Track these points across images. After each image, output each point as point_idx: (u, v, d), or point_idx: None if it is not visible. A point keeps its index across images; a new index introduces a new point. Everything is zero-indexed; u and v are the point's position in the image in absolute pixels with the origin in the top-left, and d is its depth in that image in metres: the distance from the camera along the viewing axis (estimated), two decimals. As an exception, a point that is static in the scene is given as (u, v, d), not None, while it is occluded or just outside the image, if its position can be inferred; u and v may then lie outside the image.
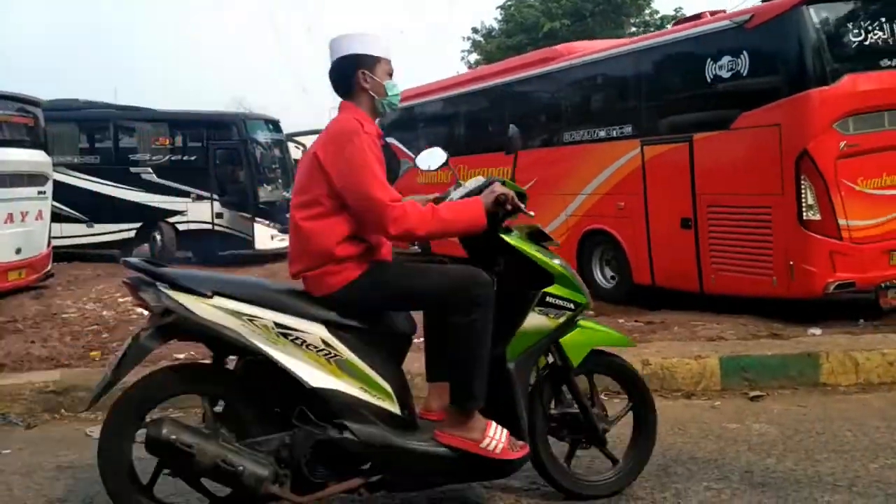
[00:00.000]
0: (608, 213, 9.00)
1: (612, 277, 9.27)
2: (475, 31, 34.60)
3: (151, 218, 14.56)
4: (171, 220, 14.53)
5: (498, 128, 10.56)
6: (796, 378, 5.25)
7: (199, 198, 14.33)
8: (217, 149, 14.35)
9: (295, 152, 16.53)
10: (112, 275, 12.92)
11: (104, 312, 9.02)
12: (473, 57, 34.90)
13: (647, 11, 29.45)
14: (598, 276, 9.35)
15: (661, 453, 4.04)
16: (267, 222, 14.27)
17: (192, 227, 14.40)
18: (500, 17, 33.57)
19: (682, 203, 7.95)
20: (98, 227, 14.83)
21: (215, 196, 14.29)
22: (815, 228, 6.80)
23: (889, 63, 6.94)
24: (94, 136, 15.58)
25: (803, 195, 6.81)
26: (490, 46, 31.75)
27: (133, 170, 14.67)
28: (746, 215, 7.34)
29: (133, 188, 14.66)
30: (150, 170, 14.61)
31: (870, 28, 6.96)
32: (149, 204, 14.52)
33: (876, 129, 6.87)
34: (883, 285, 6.89)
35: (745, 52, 7.31)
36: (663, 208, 8.26)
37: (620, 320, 7.50)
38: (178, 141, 14.85)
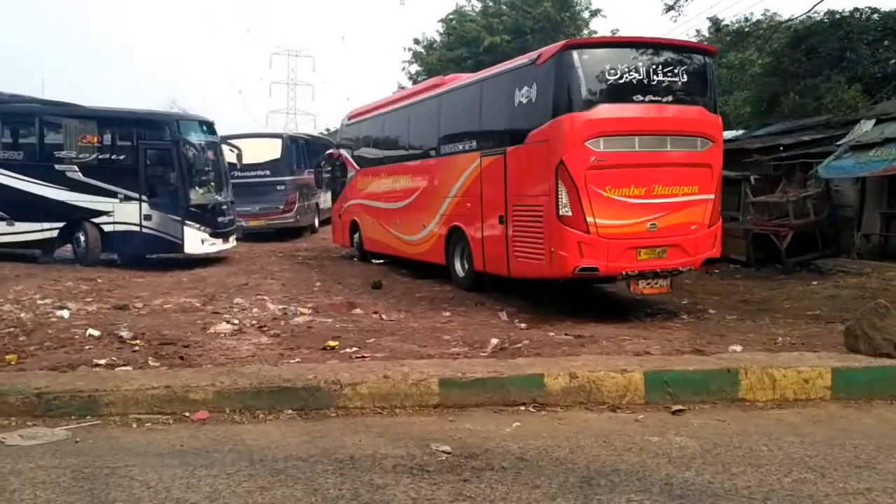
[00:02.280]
0: (462, 213, 11.02)
1: (465, 267, 11.19)
2: (417, 42, 34.71)
3: (75, 218, 14.02)
4: (97, 220, 13.99)
5: (408, 143, 13.29)
6: (716, 393, 5.39)
7: (127, 198, 13.78)
8: (147, 149, 13.83)
9: (229, 155, 16.19)
10: (31, 275, 12.39)
11: (22, 314, 8.63)
12: (414, 68, 34.97)
13: (584, 32, 30.06)
14: (457, 266, 11.37)
15: (586, 465, 4.07)
16: (197, 226, 13.89)
17: (119, 228, 13.86)
18: (441, 31, 33.75)
19: (499, 203, 9.92)
20: (19, 226, 14.18)
21: (144, 197, 13.80)
22: (568, 223, 8.68)
23: (640, 98, 8.92)
24: (17, 132, 14.90)
25: (560, 196, 8.70)
26: (431, 58, 31.85)
27: (58, 167, 14.05)
28: (531, 212, 9.26)
29: (57, 186, 13.98)
30: (76, 168, 14.00)
31: (624, 69, 8.87)
32: (73, 203, 13.95)
33: (625, 149, 8.79)
34: (623, 274, 8.82)
35: (535, 84, 9.31)
36: (491, 208, 10.21)
37: (550, 333, 7.58)
38: (107, 139, 14.20)
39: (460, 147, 11.19)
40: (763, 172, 14.69)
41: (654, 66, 9.07)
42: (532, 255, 9.27)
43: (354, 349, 6.85)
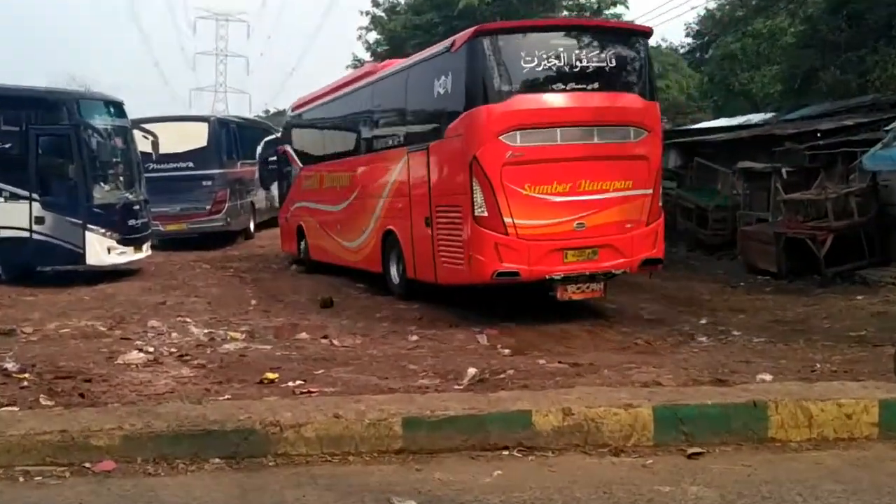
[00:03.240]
0: (394, 216, 11.80)
1: (399, 274, 11.88)
2: (376, 4, 34.71)
3: None
4: None
5: (343, 137, 14.33)
6: (741, 432, 5.44)
7: (13, 197, 13.59)
8: (40, 135, 13.69)
9: (143, 143, 16.06)
10: None
11: None
12: (373, 36, 34.99)
13: (581, -6, 30.38)
14: (392, 273, 12.05)
15: (582, 523, 4.09)
16: (103, 230, 13.80)
17: (2, 234, 13.65)
18: (407, -10, 33.83)
19: (426, 204, 10.72)
20: None
21: (35, 195, 13.60)
22: (484, 224, 9.56)
23: (562, 86, 9.78)
24: None
25: (474, 195, 9.53)
26: (394, 24, 31.90)
27: None
28: (452, 213, 10.10)
29: None
30: None
31: (543, 56, 9.68)
32: None
33: (546, 142, 9.63)
34: (548, 277, 9.66)
35: (450, 73, 10.17)
36: (418, 209, 10.96)
37: (540, 361, 7.62)
38: None
39: (389, 142, 12.15)
40: (797, 164, 14.94)
41: (578, 51, 9.87)
42: (455, 261, 10.14)
43: (298, 382, 6.81)
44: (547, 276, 9.70)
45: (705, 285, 12.87)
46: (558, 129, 9.72)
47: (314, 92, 16.46)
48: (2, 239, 13.67)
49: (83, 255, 13.66)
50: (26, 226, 13.58)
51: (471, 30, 10.03)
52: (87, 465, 5.01)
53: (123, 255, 14.36)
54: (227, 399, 6.19)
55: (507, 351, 8.36)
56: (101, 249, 13.80)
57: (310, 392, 6.43)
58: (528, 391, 6.15)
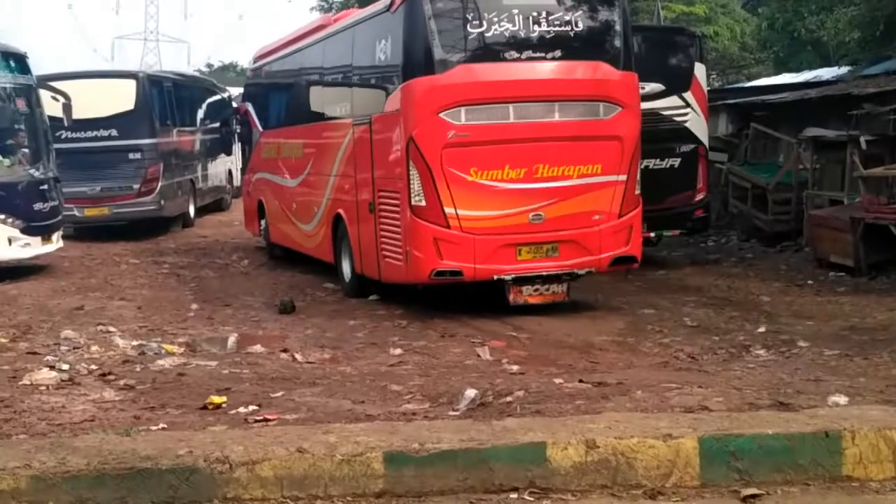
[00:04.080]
0: (342, 198, 12.43)
1: (350, 267, 12.39)
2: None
3: None
4: None
5: (298, 99, 15.13)
6: (809, 468, 5.45)
7: None
8: None
9: (52, 106, 16.02)
10: None
11: None
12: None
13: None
14: (344, 266, 12.54)
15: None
16: (2, 216, 13.86)
17: None
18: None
19: (369, 187, 11.33)
20: None
21: None
22: (421, 214, 10.13)
23: (516, 54, 10.23)
24: None
25: (411, 181, 10.09)
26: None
27: None
28: (393, 200, 10.66)
29: None
30: None
31: (493, 19, 10.13)
32: None
33: (495, 120, 10.17)
34: (497, 278, 10.24)
35: (389, 37, 10.74)
36: (363, 193, 11.57)
37: (557, 380, 7.63)
38: None
39: (337, 111, 12.86)
40: (880, 132, 14.97)
41: (536, 14, 10.28)
42: (395, 256, 10.75)
43: (252, 408, 6.82)
44: (496, 277, 10.26)
45: (764, 284, 12.90)
46: (511, 105, 10.22)
47: (275, 42, 16.89)
48: None
49: None
50: None
51: None
52: (-14, 512, 5.02)
53: (28, 248, 14.33)
54: (162, 429, 6.18)
55: (515, 367, 8.38)
56: (0, 241, 13.79)
57: (266, 420, 6.43)
58: (541, 418, 6.16)
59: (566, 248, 10.38)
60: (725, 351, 9.13)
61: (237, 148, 21.31)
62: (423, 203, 10.14)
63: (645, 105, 13.96)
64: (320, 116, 13.72)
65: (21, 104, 14.84)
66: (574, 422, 5.93)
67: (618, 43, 10.72)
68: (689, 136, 14.53)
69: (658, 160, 14.24)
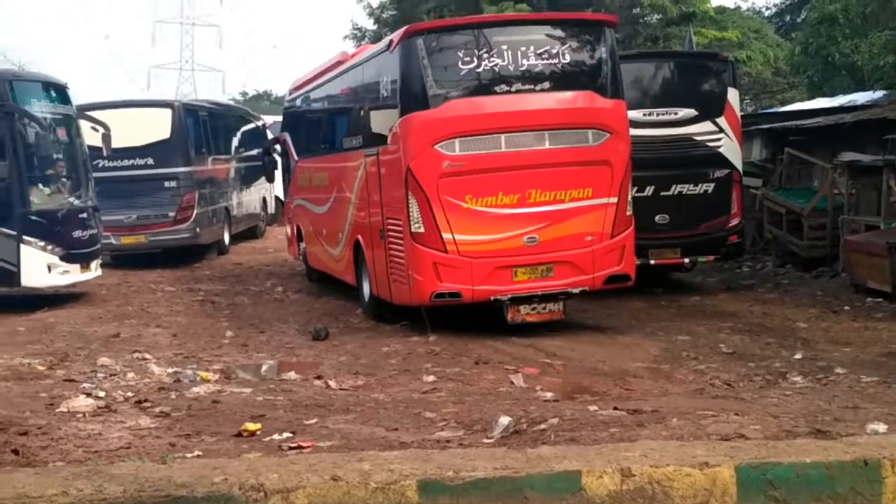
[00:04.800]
0: (361, 224, 13.00)
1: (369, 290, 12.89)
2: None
3: None
4: None
5: (324, 129, 16.15)
6: (848, 498, 5.37)
7: None
8: None
9: (92, 136, 16.15)
10: None
11: None
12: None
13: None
14: (364, 288, 13.06)
15: None
16: (42, 244, 13.88)
17: None
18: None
19: (379, 214, 11.92)
20: None
21: None
22: (420, 240, 10.81)
23: (506, 88, 10.92)
24: None
25: (410, 209, 10.77)
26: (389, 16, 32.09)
27: None
28: (397, 227, 11.29)
29: None
30: None
31: (484, 55, 10.89)
32: None
33: (488, 150, 10.81)
34: (494, 299, 10.84)
35: (389, 74, 11.50)
36: (375, 219, 12.16)
37: (592, 407, 7.59)
38: None
39: (353, 143, 13.48)
40: (916, 156, 14.84)
41: (525, 49, 10.99)
42: (402, 279, 11.36)
43: (286, 435, 6.84)
44: (493, 297, 10.89)
45: (800, 310, 12.80)
46: (502, 136, 10.86)
47: (306, 74, 17.33)
48: None
49: (17, 275, 13.69)
50: None
51: (403, 29, 11.49)
52: (24, 539, 5.05)
53: (67, 275, 14.37)
54: (197, 456, 6.20)
55: (549, 394, 8.35)
56: (39, 267, 13.84)
57: (301, 447, 6.44)
58: (576, 446, 6.13)
59: (560, 269, 10.95)
60: (762, 378, 9.06)
61: (274, 175, 21.44)
62: (422, 229, 10.80)
63: (678, 130, 14.11)
64: (340, 147, 14.28)
65: (62, 134, 14.95)
66: (609, 450, 5.88)
67: (604, 72, 11.27)
68: (723, 162, 14.50)
69: (692, 185, 14.27)
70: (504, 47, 11.02)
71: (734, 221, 14.66)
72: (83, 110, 16.30)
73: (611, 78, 11.30)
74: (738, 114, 15.19)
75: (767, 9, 41.07)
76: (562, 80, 11.17)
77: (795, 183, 18.30)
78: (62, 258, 14.11)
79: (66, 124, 15.11)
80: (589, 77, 11.32)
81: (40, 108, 14.47)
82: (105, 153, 16.90)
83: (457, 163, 10.77)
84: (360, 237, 13.02)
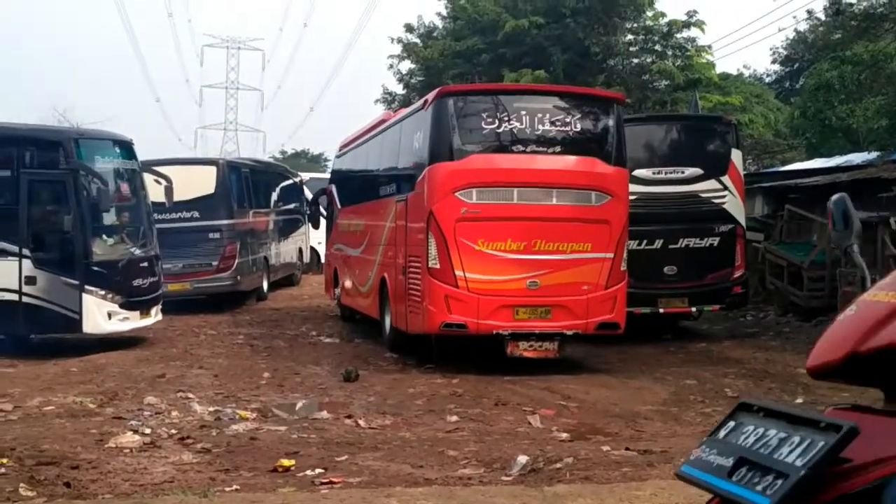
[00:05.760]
0: (387, 263, 13.75)
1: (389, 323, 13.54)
2: (410, 29, 35.35)
3: None
4: None
5: (361, 182, 17.14)
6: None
7: (2, 253, 13.54)
8: (33, 180, 13.75)
9: (155, 190, 16.08)
10: None
11: None
12: (406, 65, 35.54)
13: (649, 14, 30.64)
14: (386, 321, 13.68)
15: None
16: (102, 292, 13.69)
17: None
18: (445, 13, 34.41)
19: (403, 253, 12.60)
20: None
21: (26, 251, 13.50)
22: (436, 275, 11.38)
23: (521, 148, 11.61)
24: None
25: (429, 248, 11.37)
26: (430, 52, 32.38)
27: None
28: (416, 263, 11.87)
29: None
30: None
31: (504, 118, 11.56)
32: None
33: (501, 201, 11.44)
34: (495, 333, 11.33)
35: (421, 130, 12.17)
36: (399, 258, 12.82)
37: (605, 447, 7.55)
38: None
39: (387, 191, 14.38)
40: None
41: (541, 115, 11.66)
42: (416, 310, 11.93)
43: (318, 471, 6.84)
44: (495, 332, 11.35)
45: (801, 357, 12.63)
46: (515, 189, 11.51)
47: (351, 134, 18.53)
48: None
49: (79, 322, 13.50)
50: (15, 287, 13.46)
51: (436, 90, 12.29)
52: (74, 568, 5.05)
53: (126, 322, 14.22)
54: (236, 490, 6.22)
55: (564, 435, 8.32)
56: (100, 315, 13.69)
57: (332, 483, 6.44)
58: (590, 484, 6.11)
59: (558, 312, 11.43)
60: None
61: (307, 228, 21.82)
62: (438, 266, 11.37)
63: (685, 188, 14.16)
64: (376, 195, 14.95)
65: (126, 188, 14.88)
66: (621, 489, 5.87)
67: (610, 142, 11.84)
68: (727, 217, 14.53)
69: (698, 239, 14.30)
70: (523, 113, 11.60)
71: (738, 273, 14.66)
72: (147, 165, 16.13)
73: (615, 147, 11.81)
74: (742, 172, 15.22)
75: (768, 75, 41.18)
76: (572, 145, 11.75)
77: (795, 237, 18.26)
78: (122, 306, 13.99)
79: (130, 179, 15.05)
80: (596, 145, 11.88)
81: (105, 163, 14.42)
82: (168, 205, 16.95)
83: (473, 210, 11.33)
84: (385, 275, 13.68)
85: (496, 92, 12.81)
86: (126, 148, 15.18)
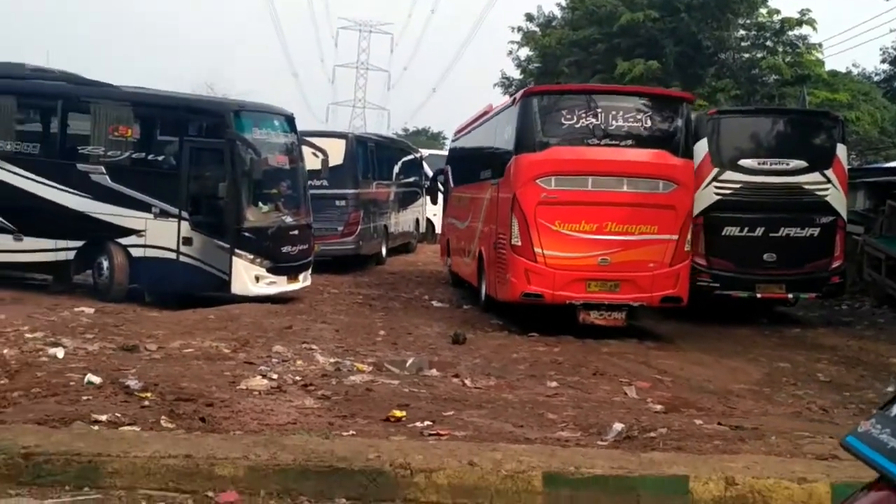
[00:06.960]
0: (484, 238, 14.51)
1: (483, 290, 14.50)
2: (530, 18, 35.10)
3: (98, 236, 14.00)
4: (124, 241, 13.92)
5: (468, 164, 17.76)
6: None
7: (164, 214, 13.72)
8: (193, 147, 13.86)
9: (312, 160, 16.05)
10: (19, 300, 13.03)
11: (5, 350, 9.10)
12: (524, 52, 35.34)
13: (762, 10, 29.73)
14: (482, 289, 14.47)
15: None
16: (251, 256, 13.82)
17: (150, 253, 13.85)
18: (564, 4, 34.05)
19: (495, 231, 13.45)
20: (28, 242, 14.28)
21: (185, 213, 13.72)
22: (518, 251, 12.20)
23: (596, 141, 12.21)
24: (35, 117, 15.41)
25: (513, 227, 12.24)
26: (548, 40, 32.09)
27: (81, 167, 14.10)
28: (503, 240, 12.71)
29: (78, 193, 14.00)
30: (102, 169, 14.01)
31: (581, 115, 12.26)
32: (96, 216, 13.94)
33: (577, 187, 12.05)
34: (568, 303, 12.05)
35: (509, 124, 13.06)
36: (493, 235, 13.61)
37: (697, 421, 7.44)
38: (144, 133, 14.35)
39: (485, 174, 15.06)
40: None
41: (615, 112, 12.30)
42: (503, 280, 12.73)
43: (427, 423, 6.93)
44: (568, 301, 12.06)
45: (894, 347, 12.23)
46: (590, 178, 12.12)
47: (466, 119, 19.31)
48: (151, 259, 13.83)
49: (228, 283, 13.69)
50: (174, 246, 13.73)
51: (523, 90, 13.60)
52: (210, 494, 5.23)
53: (273, 286, 14.23)
54: (352, 435, 6.33)
55: (658, 407, 8.20)
56: (247, 278, 13.81)
57: (439, 434, 6.51)
58: (683, 454, 6.02)
59: (625, 286, 12.07)
60: (855, 406, 8.70)
61: (425, 200, 23.41)
62: (520, 243, 12.14)
63: (789, 179, 13.76)
64: (477, 178, 15.74)
65: (284, 159, 14.96)
66: (714, 460, 5.77)
67: (678, 136, 12.34)
68: (829, 209, 14.04)
69: (799, 229, 13.90)
70: (599, 110, 12.27)
71: (836, 263, 14.18)
72: (305, 136, 16.22)
73: (683, 141, 12.36)
74: (846, 167, 14.67)
75: (876, 74, 39.45)
76: (642, 139, 12.30)
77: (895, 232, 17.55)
78: (269, 270, 14.07)
79: (288, 150, 15.12)
80: (665, 139, 12.39)
81: (262, 135, 14.42)
82: (323, 175, 17.27)
83: (552, 195, 11.99)
84: (482, 248, 14.51)
85: (575, 92, 13.66)
86: (285, 121, 15.31)
